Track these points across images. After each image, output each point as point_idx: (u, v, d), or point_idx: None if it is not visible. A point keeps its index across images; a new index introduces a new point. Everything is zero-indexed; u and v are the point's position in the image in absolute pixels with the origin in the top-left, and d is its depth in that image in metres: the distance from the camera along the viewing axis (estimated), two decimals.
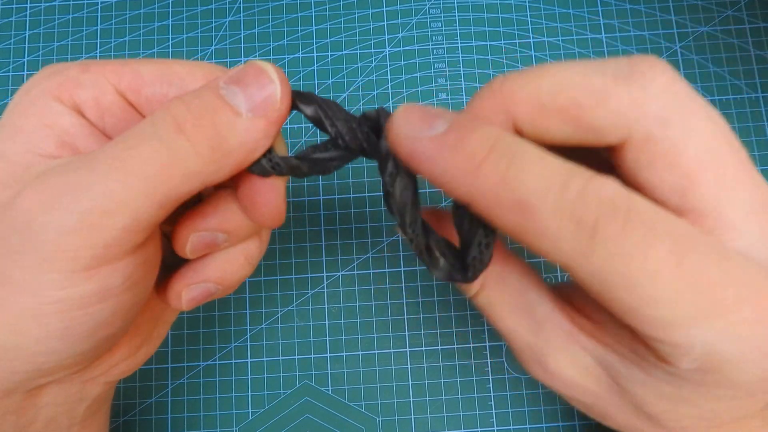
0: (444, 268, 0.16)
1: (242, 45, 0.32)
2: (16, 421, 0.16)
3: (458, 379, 0.28)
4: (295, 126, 0.31)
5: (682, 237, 0.12)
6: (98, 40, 0.32)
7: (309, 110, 0.15)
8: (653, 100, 0.13)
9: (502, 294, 0.16)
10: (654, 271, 0.11)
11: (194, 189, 0.14)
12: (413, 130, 0.13)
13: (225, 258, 0.18)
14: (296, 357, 0.28)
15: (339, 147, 0.16)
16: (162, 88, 0.15)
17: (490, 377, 0.28)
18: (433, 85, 0.32)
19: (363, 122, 0.16)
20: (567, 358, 0.15)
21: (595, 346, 0.15)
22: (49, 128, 0.14)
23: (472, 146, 0.12)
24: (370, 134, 0.16)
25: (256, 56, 0.32)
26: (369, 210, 0.30)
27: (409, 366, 0.28)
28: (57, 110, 0.14)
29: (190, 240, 0.16)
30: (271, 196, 0.16)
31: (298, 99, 0.15)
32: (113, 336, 0.16)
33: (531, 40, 0.32)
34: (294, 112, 0.16)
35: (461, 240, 0.16)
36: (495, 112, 0.14)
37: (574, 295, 0.16)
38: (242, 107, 0.13)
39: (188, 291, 0.17)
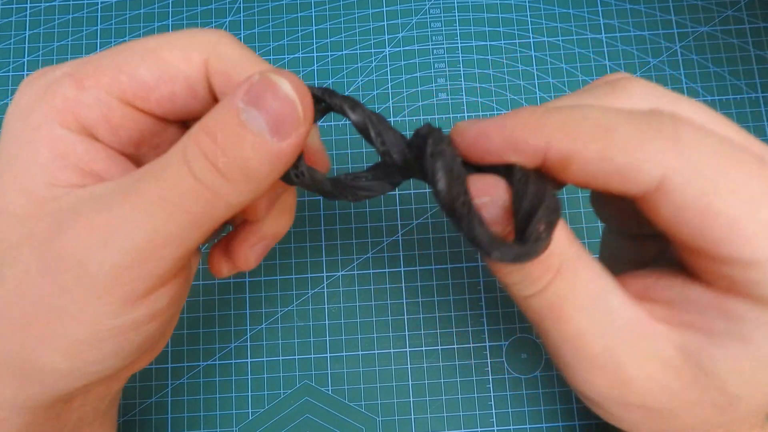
0: (512, 245, 0.13)
1: None
2: (54, 425, 0.16)
3: (458, 379, 0.28)
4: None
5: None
6: (98, 40, 0.32)
7: (356, 117, 0.15)
8: (687, 151, 0.13)
9: (573, 286, 0.14)
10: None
11: (236, 212, 0.14)
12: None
13: (274, 217, 0.18)
14: (296, 357, 0.28)
15: (384, 167, 0.16)
16: (168, 87, 0.15)
17: (490, 377, 0.28)
18: (433, 85, 0.32)
19: (413, 139, 0.15)
20: (645, 355, 0.14)
21: (673, 331, 0.14)
22: (63, 158, 0.14)
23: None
24: (420, 150, 0.15)
25: None
26: (369, 210, 0.30)
27: (409, 366, 0.28)
28: (66, 138, 0.14)
29: (250, 257, 0.18)
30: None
31: (345, 103, 0.15)
32: (155, 345, 0.16)
33: (531, 40, 0.32)
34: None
35: (518, 219, 0.14)
36: (528, 145, 0.13)
37: (634, 282, 0.15)
38: (266, 133, 0.13)
39: (253, 251, 0.18)
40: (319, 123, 0.30)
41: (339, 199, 0.16)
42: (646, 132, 0.13)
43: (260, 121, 0.13)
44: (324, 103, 0.15)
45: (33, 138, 0.14)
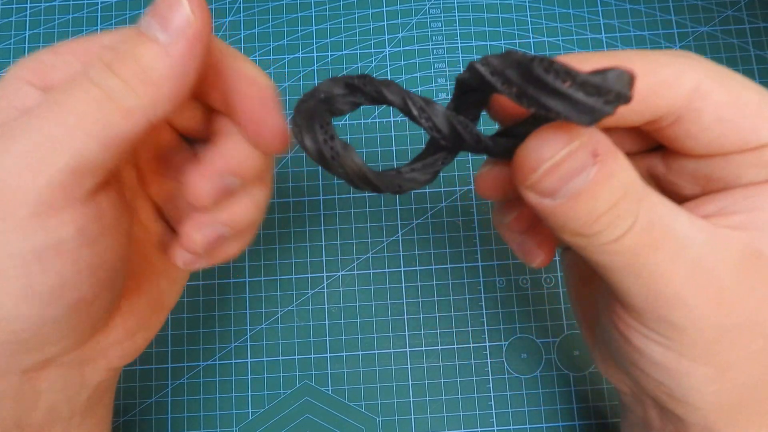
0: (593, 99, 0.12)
1: (242, 45, 0.32)
2: (15, 406, 0.16)
3: (458, 379, 0.28)
4: None
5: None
6: None
7: (393, 97, 0.15)
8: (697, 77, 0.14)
9: (661, 214, 0.14)
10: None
11: (140, 126, 0.14)
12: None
13: (233, 202, 0.18)
14: (296, 357, 0.28)
15: (432, 147, 0.16)
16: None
17: (490, 377, 0.28)
18: (433, 85, 0.32)
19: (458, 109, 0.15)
20: (730, 260, 0.14)
21: (737, 232, 0.14)
22: (16, 109, 0.15)
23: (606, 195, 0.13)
24: (468, 124, 0.15)
25: (256, 56, 0.32)
26: (369, 210, 0.30)
27: (409, 366, 0.28)
28: (27, 92, 0.15)
29: (203, 187, 0.16)
30: (267, 117, 0.16)
31: (383, 86, 0.15)
32: (89, 303, 0.15)
33: (531, 40, 0.32)
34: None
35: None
36: (661, 104, 0.14)
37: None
38: (159, 35, 0.13)
39: (200, 230, 0.17)
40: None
41: (381, 191, 0.16)
42: (677, 57, 0.15)
43: (154, 26, 0.13)
44: (360, 93, 0.15)
45: None
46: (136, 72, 0.13)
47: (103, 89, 0.13)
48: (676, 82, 0.14)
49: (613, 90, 0.11)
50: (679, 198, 0.16)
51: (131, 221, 0.17)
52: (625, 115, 0.14)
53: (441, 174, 0.30)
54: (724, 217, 0.14)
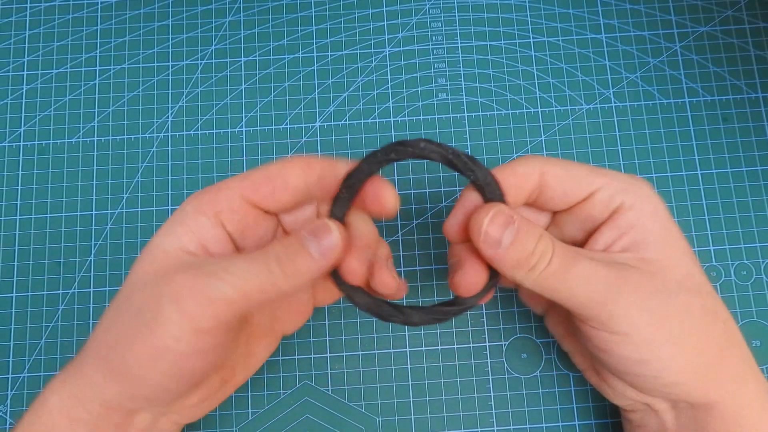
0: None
1: (242, 45, 0.32)
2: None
3: (458, 379, 0.28)
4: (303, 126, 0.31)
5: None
6: (98, 40, 0.32)
7: (437, 157, 0.21)
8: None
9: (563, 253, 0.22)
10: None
11: (277, 297, 0.20)
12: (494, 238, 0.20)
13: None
14: (296, 357, 0.28)
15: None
16: (271, 184, 0.21)
17: (490, 377, 0.28)
18: (433, 85, 0.32)
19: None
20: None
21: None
22: (192, 233, 0.21)
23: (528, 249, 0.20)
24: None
25: (256, 56, 0.32)
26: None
27: (409, 366, 0.28)
28: (201, 222, 0.21)
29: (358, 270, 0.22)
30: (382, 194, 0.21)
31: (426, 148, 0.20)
32: (198, 382, 0.21)
33: (531, 40, 0.32)
34: None
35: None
36: (526, 186, 0.21)
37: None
38: (314, 252, 0.20)
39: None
40: (319, 123, 0.30)
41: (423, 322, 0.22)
42: (529, 158, 0.22)
43: (313, 245, 0.20)
44: (394, 153, 0.20)
45: (183, 219, 0.21)
46: (293, 269, 0.20)
47: (271, 274, 0.19)
48: (531, 172, 0.21)
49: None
50: (576, 244, 0.23)
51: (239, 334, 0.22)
52: (518, 196, 0.21)
53: (441, 174, 0.30)
54: (614, 247, 0.22)
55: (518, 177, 0.21)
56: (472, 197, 0.21)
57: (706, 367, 0.20)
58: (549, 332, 0.26)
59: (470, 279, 0.21)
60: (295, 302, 0.24)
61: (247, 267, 0.20)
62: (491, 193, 0.20)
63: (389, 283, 0.21)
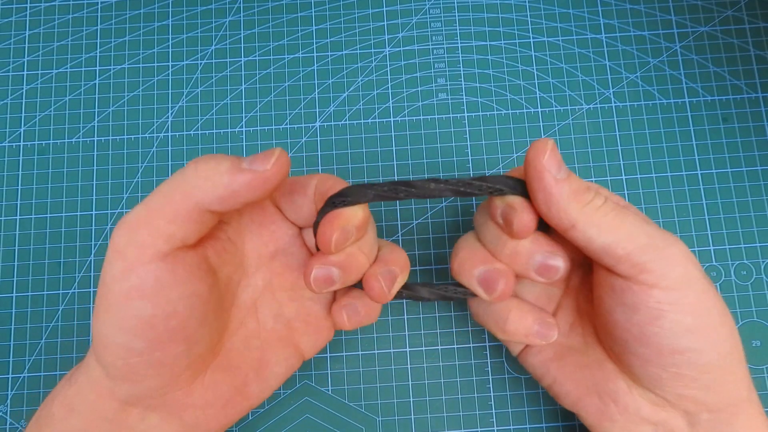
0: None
1: (242, 45, 0.32)
2: (110, 430, 0.20)
3: (458, 379, 0.28)
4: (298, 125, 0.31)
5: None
6: (98, 40, 0.32)
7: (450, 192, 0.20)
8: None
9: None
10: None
11: (195, 206, 0.19)
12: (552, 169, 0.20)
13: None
14: None
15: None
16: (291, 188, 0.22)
17: (490, 377, 0.28)
18: (433, 85, 0.32)
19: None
20: None
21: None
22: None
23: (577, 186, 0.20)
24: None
25: (256, 56, 0.32)
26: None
27: (409, 366, 0.28)
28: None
29: (334, 238, 0.21)
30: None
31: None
32: (164, 346, 0.19)
33: (531, 40, 0.32)
34: None
35: None
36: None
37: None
38: (245, 165, 0.19)
39: (314, 272, 0.21)
40: (319, 123, 0.30)
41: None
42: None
43: (247, 160, 0.19)
44: (402, 194, 0.20)
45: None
46: (209, 172, 0.19)
47: (185, 179, 0.19)
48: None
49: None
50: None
51: (210, 288, 0.21)
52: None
53: (441, 174, 0.30)
54: None
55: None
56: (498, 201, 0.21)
57: (731, 356, 0.20)
58: (526, 368, 0.25)
59: (525, 218, 0.20)
60: (313, 316, 0.24)
61: (160, 186, 0.19)
62: (521, 190, 0.21)
63: (374, 281, 0.22)
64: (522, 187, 0.20)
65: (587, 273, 0.24)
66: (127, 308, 0.19)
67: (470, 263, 0.22)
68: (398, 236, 0.30)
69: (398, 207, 0.30)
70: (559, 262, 0.21)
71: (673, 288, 0.19)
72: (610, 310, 0.20)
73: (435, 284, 0.23)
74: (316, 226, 0.21)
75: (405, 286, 0.23)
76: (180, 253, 0.19)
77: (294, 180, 0.23)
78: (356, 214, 0.21)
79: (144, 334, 0.19)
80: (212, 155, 0.19)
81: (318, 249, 0.22)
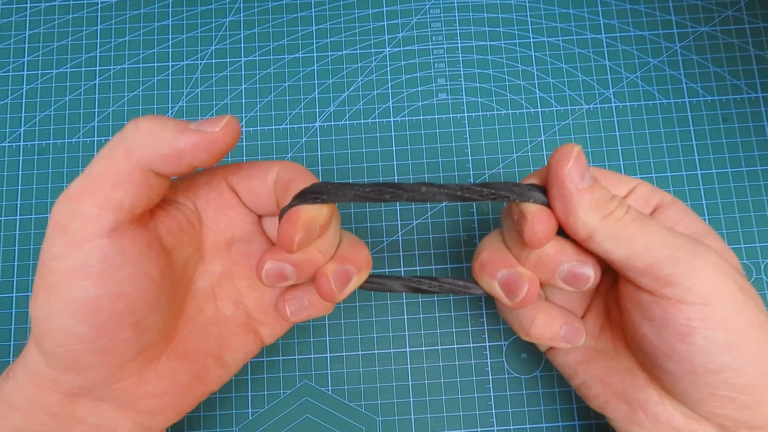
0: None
1: (242, 45, 0.32)
2: (57, 425, 0.19)
3: (458, 379, 0.28)
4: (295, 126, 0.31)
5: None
6: (98, 40, 0.32)
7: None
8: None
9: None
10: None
11: (159, 167, 0.18)
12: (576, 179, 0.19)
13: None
14: (296, 357, 0.28)
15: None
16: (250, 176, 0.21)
17: (490, 377, 0.28)
18: (433, 85, 0.32)
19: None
20: None
21: None
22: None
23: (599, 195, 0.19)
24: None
25: (256, 56, 0.32)
26: (369, 210, 0.30)
27: (409, 366, 0.28)
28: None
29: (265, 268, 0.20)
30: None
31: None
32: (111, 332, 0.18)
33: (531, 40, 0.32)
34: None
35: None
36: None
37: None
38: (193, 126, 0.18)
39: (266, 267, 0.20)
40: (319, 123, 0.30)
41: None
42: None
43: (194, 123, 0.18)
44: (388, 195, 0.19)
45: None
46: (151, 131, 0.18)
47: (126, 140, 0.18)
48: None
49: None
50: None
51: (163, 270, 0.19)
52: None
53: (441, 174, 0.30)
54: None
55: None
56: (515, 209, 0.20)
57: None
58: (556, 369, 0.24)
59: (537, 228, 0.19)
60: (272, 306, 0.23)
61: (96, 155, 0.18)
62: (534, 197, 0.19)
63: (323, 279, 0.20)
64: (538, 193, 0.19)
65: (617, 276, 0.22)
66: (70, 289, 0.17)
67: (492, 265, 0.21)
68: (398, 236, 0.30)
69: (398, 207, 0.30)
70: (589, 271, 0.20)
71: (701, 303, 0.17)
72: (637, 324, 0.19)
73: (408, 277, 0.22)
74: (281, 219, 0.20)
75: (374, 278, 0.22)
76: (129, 229, 0.18)
77: (253, 164, 0.21)
78: (322, 212, 0.19)
79: (88, 317, 0.18)
80: (156, 115, 0.18)
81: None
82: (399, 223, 0.30)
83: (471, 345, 0.29)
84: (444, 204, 0.30)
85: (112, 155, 0.18)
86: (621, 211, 0.19)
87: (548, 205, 0.19)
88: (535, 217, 0.19)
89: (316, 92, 0.32)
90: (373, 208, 0.30)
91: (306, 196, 0.19)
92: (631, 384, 0.21)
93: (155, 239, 0.19)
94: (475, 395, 0.28)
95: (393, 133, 0.31)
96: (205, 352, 0.21)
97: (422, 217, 0.30)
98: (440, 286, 0.22)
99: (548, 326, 0.21)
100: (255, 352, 0.23)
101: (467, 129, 0.31)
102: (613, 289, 0.22)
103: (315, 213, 0.19)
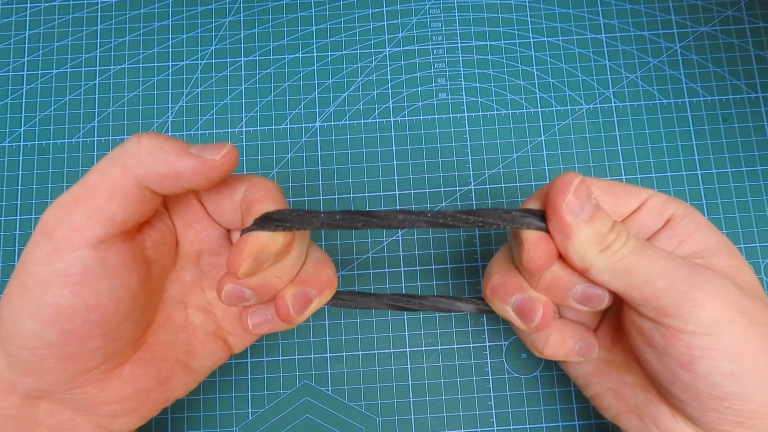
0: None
1: (242, 45, 0.32)
2: (14, 428, 0.19)
3: (458, 379, 0.28)
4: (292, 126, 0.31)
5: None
6: (98, 40, 0.32)
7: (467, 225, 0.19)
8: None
9: None
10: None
11: (155, 185, 0.18)
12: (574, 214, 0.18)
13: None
14: (296, 357, 0.28)
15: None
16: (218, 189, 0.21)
17: (490, 377, 0.28)
18: (433, 85, 0.32)
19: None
20: None
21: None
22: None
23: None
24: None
25: (256, 56, 0.32)
26: (369, 210, 0.30)
27: (409, 366, 0.28)
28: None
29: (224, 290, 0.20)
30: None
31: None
32: (80, 340, 0.18)
33: (531, 40, 0.32)
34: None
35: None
36: None
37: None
38: (193, 150, 0.18)
39: (225, 288, 0.20)
40: (319, 123, 0.30)
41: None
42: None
43: (197, 147, 0.19)
44: (360, 224, 0.19)
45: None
46: (151, 151, 0.18)
47: (124, 155, 0.18)
48: None
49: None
50: None
51: (141, 281, 0.19)
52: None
53: (441, 174, 0.30)
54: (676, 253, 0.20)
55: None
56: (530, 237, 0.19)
57: None
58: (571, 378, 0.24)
59: (540, 252, 0.18)
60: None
61: (94, 166, 0.18)
62: (529, 224, 0.19)
63: (281, 303, 0.20)
64: (535, 220, 0.19)
65: None
66: (45, 295, 0.17)
67: (504, 290, 0.20)
68: (398, 236, 0.30)
69: (398, 207, 0.30)
70: (603, 291, 0.19)
71: (702, 333, 0.17)
72: (640, 349, 0.19)
73: (388, 294, 0.22)
74: (233, 244, 0.20)
75: (345, 295, 0.21)
76: (116, 241, 0.18)
77: (223, 180, 0.21)
78: (276, 240, 0.19)
79: (59, 325, 0.18)
80: (158, 133, 0.18)
81: None
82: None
83: (471, 345, 0.29)
84: (444, 204, 0.30)
85: (110, 169, 0.18)
86: (619, 243, 0.18)
87: (547, 230, 0.19)
88: (532, 245, 0.19)
89: (316, 92, 0.32)
90: (372, 208, 0.30)
91: (267, 222, 0.19)
92: (643, 398, 0.20)
93: (139, 252, 0.19)
94: (475, 395, 0.28)
95: (393, 133, 0.31)
96: (172, 358, 0.21)
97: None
98: (421, 304, 0.21)
99: (562, 345, 0.21)
100: (223, 360, 0.23)
101: (467, 129, 0.31)
102: (625, 304, 0.22)
103: (266, 242, 0.18)
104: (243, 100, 0.31)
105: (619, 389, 0.21)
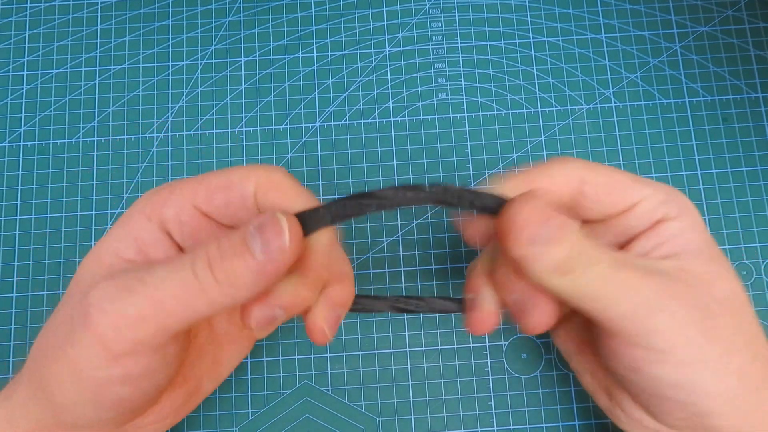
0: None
1: (242, 45, 0.32)
2: None
3: (458, 379, 0.28)
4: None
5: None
6: (98, 40, 0.32)
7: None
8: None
9: None
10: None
11: (212, 312, 0.17)
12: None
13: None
14: (296, 357, 0.28)
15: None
16: (226, 195, 0.19)
17: (490, 377, 0.28)
18: (433, 85, 0.32)
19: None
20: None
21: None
22: (133, 239, 0.18)
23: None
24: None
25: (256, 56, 0.32)
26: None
27: (409, 366, 0.28)
28: (143, 226, 0.19)
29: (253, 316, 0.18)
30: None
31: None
32: (135, 409, 0.19)
33: (531, 40, 0.32)
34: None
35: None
36: (563, 194, 0.19)
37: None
38: (257, 252, 0.16)
39: (326, 323, 0.20)
40: (319, 123, 0.30)
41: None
42: (564, 163, 0.20)
43: (257, 243, 0.16)
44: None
45: (124, 222, 0.19)
46: (229, 277, 0.16)
47: (199, 283, 0.16)
48: (570, 180, 0.19)
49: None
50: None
51: (187, 346, 0.20)
52: (555, 196, 0.19)
53: (441, 175, 0.30)
54: (653, 254, 0.20)
55: (556, 184, 0.19)
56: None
57: (745, 398, 0.18)
58: (562, 354, 0.24)
59: (503, 277, 0.18)
60: None
61: (168, 275, 0.16)
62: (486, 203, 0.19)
63: (318, 329, 0.19)
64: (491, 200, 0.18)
65: None
66: (105, 392, 0.17)
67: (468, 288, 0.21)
68: (398, 236, 0.30)
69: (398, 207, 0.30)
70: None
71: (655, 349, 0.17)
72: (595, 340, 0.20)
73: (391, 297, 0.21)
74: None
75: (357, 301, 0.21)
76: (177, 339, 0.18)
77: (227, 184, 0.19)
78: (297, 295, 0.18)
79: (119, 408, 0.18)
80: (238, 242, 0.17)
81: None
82: (399, 223, 0.30)
83: (471, 345, 0.29)
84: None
85: (189, 281, 0.16)
86: (582, 268, 0.17)
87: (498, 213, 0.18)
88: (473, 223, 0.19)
89: (316, 92, 0.32)
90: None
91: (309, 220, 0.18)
92: (612, 382, 0.21)
93: (190, 330, 0.20)
94: (475, 395, 0.28)
95: (393, 133, 0.31)
96: (200, 372, 0.22)
97: (422, 217, 0.30)
98: (422, 306, 0.21)
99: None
100: (248, 351, 0.24)
101: (467, 129, 0.31)
102: None
103: (287, 298, 0.18)
104: (243, 100, 0.31)
105: (594, 369, 0.22)
